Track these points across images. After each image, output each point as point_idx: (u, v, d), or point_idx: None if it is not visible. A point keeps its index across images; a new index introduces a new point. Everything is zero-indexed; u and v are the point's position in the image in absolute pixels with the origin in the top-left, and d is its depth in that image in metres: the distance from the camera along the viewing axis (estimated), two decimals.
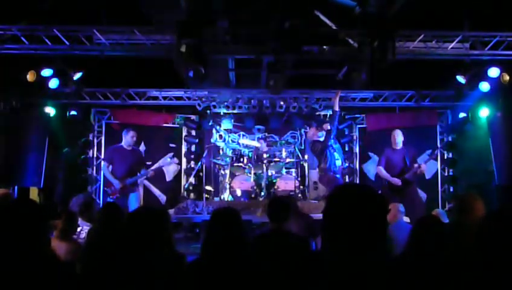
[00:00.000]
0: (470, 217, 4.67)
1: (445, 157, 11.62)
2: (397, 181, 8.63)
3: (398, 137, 8.82)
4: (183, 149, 12.37)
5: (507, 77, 8.58)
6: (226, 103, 11.58)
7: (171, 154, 10.07)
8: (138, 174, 8.77)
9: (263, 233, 5.21)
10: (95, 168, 11.51)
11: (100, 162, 11.11)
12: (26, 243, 2.60)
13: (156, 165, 9.19)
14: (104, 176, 9.36)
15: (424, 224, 3.68)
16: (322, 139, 9.32)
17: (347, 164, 11.96)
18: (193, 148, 12.47)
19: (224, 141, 12.08)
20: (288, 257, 4.10)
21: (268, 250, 4.19)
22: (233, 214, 3.38)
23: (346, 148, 12.25)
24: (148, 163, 9.52)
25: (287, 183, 10.84)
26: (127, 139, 8.80)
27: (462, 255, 3.14)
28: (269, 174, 11.15)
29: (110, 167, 8.78)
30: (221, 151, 12.07)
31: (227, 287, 2.99)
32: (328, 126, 9.33)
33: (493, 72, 8.64)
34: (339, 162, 9.40)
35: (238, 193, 10.68)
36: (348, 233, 1.87)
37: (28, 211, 2.71)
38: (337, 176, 9.27)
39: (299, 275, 2.11)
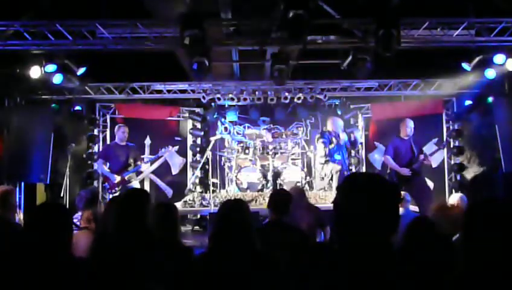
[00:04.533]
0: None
1: (452, 145, 11.56)
2: (406, 171, 8.54)
3: (409, 126, 8.70)
4: (189, 142, 12.37)
5: None
6: (230, 95, 11.53)
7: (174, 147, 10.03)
8: (134, 167, 8.85)
9: (262, 226, 5.18)
10: None
11: None
12: (52, 243, 2.73)
13: (154, 157, 9.36)
14: (101, 172, 9.41)
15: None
16: None
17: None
18: (198, 141, 12.46)
19: (229, 133, 12.07)
20: (288, 248, 4.09)
21: (268, 242, 4.16)
22: (242, 206, 3.36)
23: (352, 138, 12.20)
24: (150, 157, 9.65)
25: (293, 175, 10.83)
26: (119, 135, 8.95)
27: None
28: (275, 165, 11.14)
29: (108, 163, 8.92)
30: (226, 144, 12.07)
31: (235, 280, 2.97)
32: None
33: (499, 58, 8.57)
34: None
35: (245, 185, 10.68)
36: (359, 222, 1.85)
37: (58, 212, 2.86)
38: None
39: (305, 266, 2.09)
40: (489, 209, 2.29)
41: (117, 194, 8.60)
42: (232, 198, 3.72)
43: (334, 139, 9.22)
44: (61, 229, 2.84)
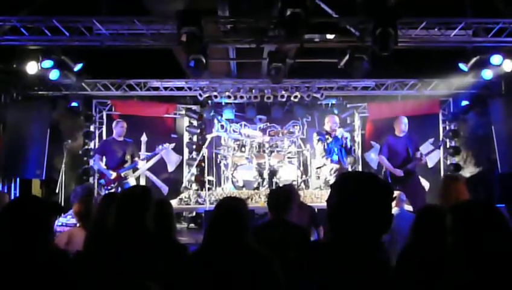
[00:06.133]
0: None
1: (448, 145, 11.58)
2: (399, 172, 8.60)
3: (403, 123, 8.76)
4: (185, 139, 12.36)
5: None
6: (227, 93, 11.52)
7: (170, 144, 10.03)
8: (131, 164, 8.84)
9: (263, 223, 5.21)
10: None
11: None
12: (30, 240, 2.59)
13: (151, 154, 9.56)
14: (97, 168, 9.40)
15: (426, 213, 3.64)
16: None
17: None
18: (195, 138, 12.45)
19: (225, 131, 12.06)
20: (288, 246, 4.08)
21: (268, 240, 4.16)
22: (239, 204, 3.35)
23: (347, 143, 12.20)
24: (147, 153, 9.67)
25: (289, 173, 10.83)
26: (117, 129, 8.96)
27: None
28: (271, 164, 11.13)
29: (104, 159, 8.90)
30: (223, 141, 12.06)
31: (227, 278, 2.97)
32: None
33: (496, 59, 8.58)
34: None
35: (240, 183, 10.68)
36: (352, 221, 1.85)
37: (32, 208, 2.70)
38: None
39: (299, 264, 2.09)
40: (470, 211, 2.30)
41: (113, 190, 8.60)
42: (229, 196, 3.71)
43: (329, 137, 9.22)
44: (35, 225, 2.66)
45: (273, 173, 10.96)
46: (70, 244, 4.37)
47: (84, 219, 4.79)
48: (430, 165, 10.98)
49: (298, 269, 2.11)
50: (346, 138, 9.53)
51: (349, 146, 9.55)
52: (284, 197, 4.97)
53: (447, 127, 11.66)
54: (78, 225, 4.89)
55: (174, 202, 9.69)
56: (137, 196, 3.46)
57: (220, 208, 3.31)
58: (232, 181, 10.81)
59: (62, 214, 5.62)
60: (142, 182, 11.26)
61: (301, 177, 11.12)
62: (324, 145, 9.24)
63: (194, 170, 11.66)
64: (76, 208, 4.93)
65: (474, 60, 8.88)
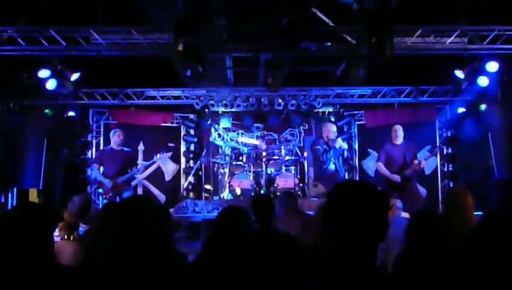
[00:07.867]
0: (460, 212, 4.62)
1: (445, 152, 11.59)
2: (396, 178, 8.63)
3: (399, 132, 8.82)
4: (182, 148, 12.35)
5: None
6: (224, 102, 11.54)
7: (169, 154, 10.06)
8: (129, 172, 8.84)
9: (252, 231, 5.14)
10: None
11: None
12: (29, 249, 2.55)
13: (148, 163, 9.65)
14: (95, 177, 9.39)
15: (419, 219, 3.66)
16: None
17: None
18: (192, 147, 12.44)
19: (222, 139, 12.05)
20: (277, 255, 4.07)
21: (257, 249, 4.14)
22: (240, 214, 3.34)
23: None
24: (144, 162, 9.68)
25: (286, 181, 10.80)
26: (115, 139, 8.98)
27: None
28: (268, 172, 11.10)
29: (102, 168, 8.90)
30: (220, 150, 12.05)
31: (228, 287, 2.96)
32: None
33: (491, 66, 8.62)
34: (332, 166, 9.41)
35: (238, 191, 10.64)
36: (348, 229, 1.85)
37: (32, 214, 2.65)
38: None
39: (292, 273, 2.09)
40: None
41: (111, 199, 8.59)
42: (231, 205, 3.69)
43: (327, 147, 9.24)
44: (35, 233, 2.57)
45: (270, 181, 10.95)
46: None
47: (71, 231, 4.76)
48: (427, 172, 10.99)
49: (293, 276, 2.11)
50: (345, 149, 9.56)
51: (345, 156, 9.59)
52: (264, 205, 4.91)
53: (444, 134, 11.68)
54: (65, 237, 4.81)
55: (171, 211, 9.66)
56: (136, 205, 3.42)
57: (222, 218, 3.31)
58: (229, 190, 10.78)
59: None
60: (140, 191, 11.24)
61: (298, 186, 11.10)
62: (323, 157, 9.24)
63: (191, 178, 11.64)
64: (66, 219, 4.87)
65: (470, 67, 8.92)
